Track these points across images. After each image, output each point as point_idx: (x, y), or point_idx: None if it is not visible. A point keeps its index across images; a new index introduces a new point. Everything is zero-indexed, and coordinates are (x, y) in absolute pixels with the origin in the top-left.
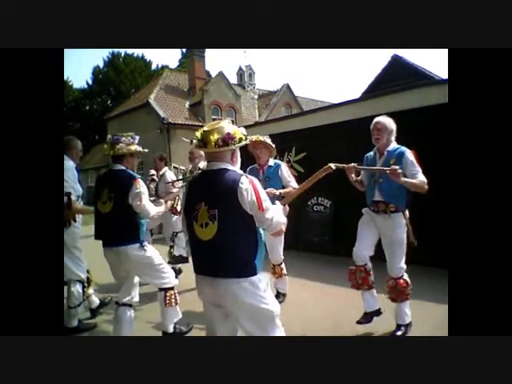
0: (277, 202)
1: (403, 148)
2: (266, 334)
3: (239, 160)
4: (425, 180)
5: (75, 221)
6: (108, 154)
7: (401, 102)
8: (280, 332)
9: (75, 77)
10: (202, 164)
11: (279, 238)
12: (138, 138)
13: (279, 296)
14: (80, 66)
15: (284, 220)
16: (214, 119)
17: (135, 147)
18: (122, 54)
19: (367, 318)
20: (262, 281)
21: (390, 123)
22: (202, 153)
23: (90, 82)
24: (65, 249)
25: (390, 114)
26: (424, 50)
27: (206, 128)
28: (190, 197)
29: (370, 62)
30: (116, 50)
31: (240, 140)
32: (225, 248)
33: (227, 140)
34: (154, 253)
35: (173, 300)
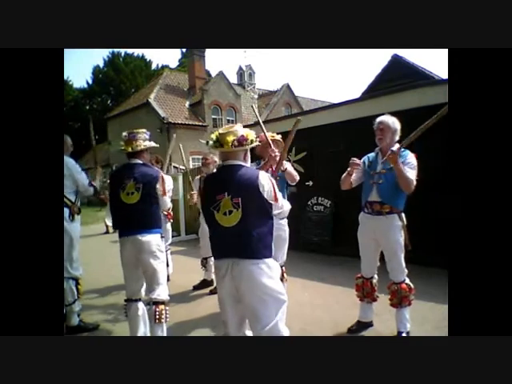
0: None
1: (408, 150)
2: (273, 319)
3: (249, 158)
4: (413, 180)
5: (79, 213)
6: (126, 150)
7: (401, 102)
8: (284, 325)
9: (75, 77)
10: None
11: (284, 237)
12: (149, 133)
13: None
14: (80, 65)
15: (289, 208)
16: (214, 119)
17: (149, 143)
18: (122, 54)
19: (359, 326)
20: (277, 267)
21: (394, 122)
22: (216, 159)
23: (90, 82)
24: (67, 243)
25: (391, 114)
26: (424, 49)
27: (221, 131)
28: (209, 190)
29: (370, 62)
30: (116, 49)
31: (252, 141)
32: (248, 232)
33: (242, 141)
34: (165, 257)
35: (163, 316)
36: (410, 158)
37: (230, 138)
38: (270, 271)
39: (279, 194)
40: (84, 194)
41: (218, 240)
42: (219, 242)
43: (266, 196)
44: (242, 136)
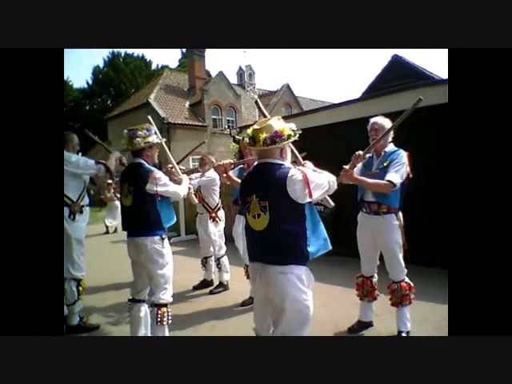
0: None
1: (401, 150)
2: (292, 329)
3: (289, 155)
4: (393, 180)
5: (81, 212)
6: (128, 149)
7: (401, 102)
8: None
9: (75, 77)
10: (211, 171)
11: None
12: (154, 128)
13: None
14: (80, 66)
15: (333, 186)
16: (214, 119)
17: (152, 139)
18: (122, 54)
19: (360, 326)
20: (310, 277)
21: (388, 124)
22: (213, 159)
23: (90, 82)
24: (68, 243)
25: (390, 114)
26: (424, 49)
27: (256, 126)
28: (243, 190)
29: (370, 62)
30: (116, 49)
31: (288, 137)
32: (277, 237)
33: (274, 138)
34: (170, 258)
35: (165, 318)
36: (400, 157)
37: (262, 136)
38: (299, 282)
39: (319, 180)
40: (101, 175)
41: (249, 243)
42: (250, 245)
43: (296, 198)
44: (276, 132)
